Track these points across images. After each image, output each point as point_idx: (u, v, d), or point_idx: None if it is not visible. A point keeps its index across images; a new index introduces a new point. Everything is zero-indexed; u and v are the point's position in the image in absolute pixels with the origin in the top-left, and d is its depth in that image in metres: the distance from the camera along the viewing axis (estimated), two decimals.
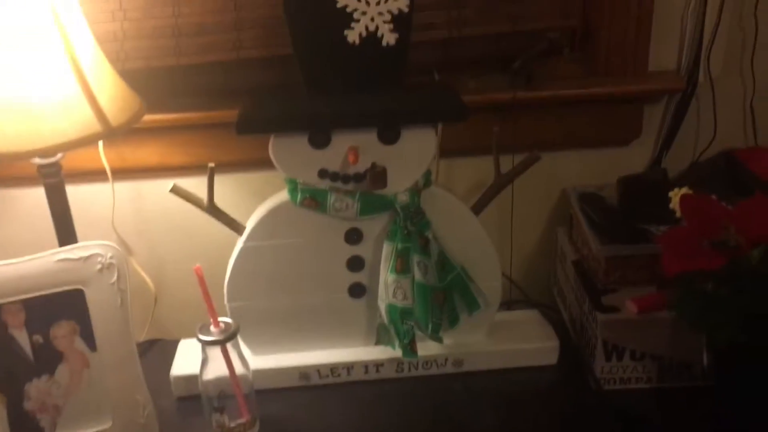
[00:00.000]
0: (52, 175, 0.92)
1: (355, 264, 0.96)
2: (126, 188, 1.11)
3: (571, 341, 1.04)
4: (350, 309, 0.98)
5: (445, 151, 1.06)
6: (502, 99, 1.03)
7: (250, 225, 0.95)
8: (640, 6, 1.03)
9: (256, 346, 0.99)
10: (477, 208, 0.97)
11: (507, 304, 1.11)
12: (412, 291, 0.94)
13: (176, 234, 1.13)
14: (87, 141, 0.84)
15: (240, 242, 0.95)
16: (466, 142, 1.04)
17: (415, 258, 0.93)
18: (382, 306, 0.95)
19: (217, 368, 0.86)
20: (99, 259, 0.86)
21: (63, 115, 0.82)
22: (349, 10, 0.84)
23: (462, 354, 1.00)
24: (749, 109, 1.11)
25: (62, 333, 0.86)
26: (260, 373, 0.95)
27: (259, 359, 0.98)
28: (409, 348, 0.95)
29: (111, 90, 0.88)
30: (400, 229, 0.92)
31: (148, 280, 1.14)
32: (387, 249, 0.93)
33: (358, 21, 0.84)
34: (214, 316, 0.86)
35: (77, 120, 0.83)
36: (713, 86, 1.08)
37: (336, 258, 0.96)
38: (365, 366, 0.99)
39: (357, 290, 0.98)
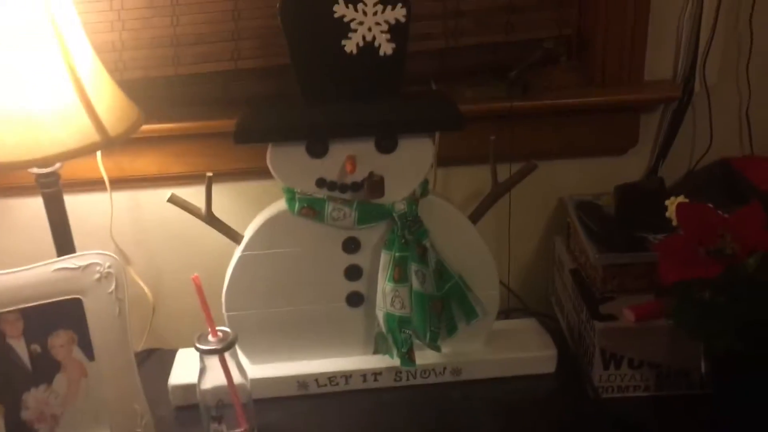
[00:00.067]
0: (51, 185, 0.92)
1: (353, 273, 0.96)
2: (124, 198, 1.11)
3: (569, 350, 1.04)
4: (348, 318, 0.98)
5: (443, 160, 1.07)
6: (499, 108, 1.03)
7: (248, 234, 0.95)
8: (636, 15, 1.03)
9: (254, 355, 0.99)
10: (474, 217, 0.97)
11: (505, 313, 1.11)
12: (410, 300, 0.94)
13: (174, 243, 1.13)
14: (85, 151, 0.84)
15: (238, 251, 0.95)
16: (463, 151, 1.05)
17: (413, 267, 0.93)
18: (380, 315, 0.95)
19: (215, 377, 0.86)
20: (97, 268, 0.86)
21: (61, 125, 0.83)
22: (346, 20, 0.84)
23: (460, 363, 1.00)
24: (745, 118, 1.12)
25: (60, 342, 0.86)
26: (258, 382, 0.94)
27: (257, 368, 0.98)
28: (407, 357, 0.95)
29: (109, 100, 0.88)
30: (398, 238, 0.92)
31: (146, 289, 1.14)
32: (385, 258, 0.93)
33: (355, 31, 0.85)
34: (212, 325, 0.86)
35: (76, 130, 0.83)
36: (709, 95, 1.09)
37: (334, 267, 0.96)
38: (363, 375, 0.99)
39: (355, 299, 0.98)
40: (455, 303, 0.97)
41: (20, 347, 0.85)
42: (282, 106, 0.92)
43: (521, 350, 1.01)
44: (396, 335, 0.95)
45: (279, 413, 0.96)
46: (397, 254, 0.92)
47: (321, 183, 0.91)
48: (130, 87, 0.94)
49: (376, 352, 1.00)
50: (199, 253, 1.12)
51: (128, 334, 0.87)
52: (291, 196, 0.92)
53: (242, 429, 0.88)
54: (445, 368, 1.00)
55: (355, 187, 0.91)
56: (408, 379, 1.00)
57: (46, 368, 0.87)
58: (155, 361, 1.08)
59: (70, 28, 0.84)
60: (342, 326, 0.99)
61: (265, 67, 1.04)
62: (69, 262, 0.86)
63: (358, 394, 0.99)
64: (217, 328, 0.86)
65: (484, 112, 1.03)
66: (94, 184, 1.07)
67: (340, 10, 0.83)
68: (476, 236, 0.96)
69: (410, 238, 0.92)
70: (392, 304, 0.93)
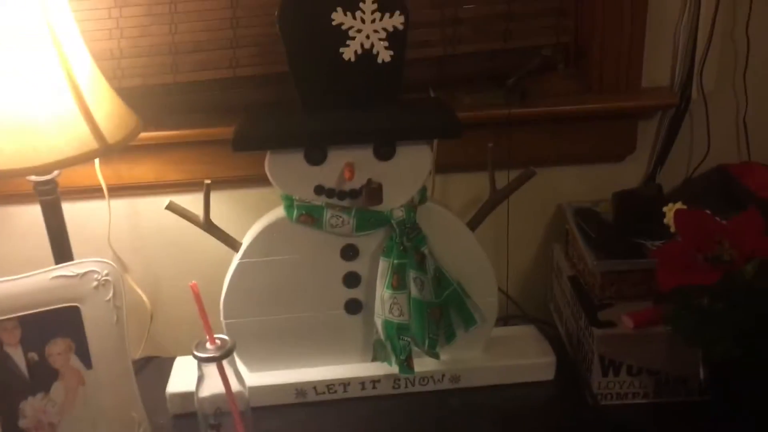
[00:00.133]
0: (48, 193, 0.92)
1: (352, 280, 0.96)
2: (122, 205, 1.11)
3: (568, 356, 1.04)
4: (346, 325, 0.98)
5: (441, 167, 1.07)
6: (497, 115, 1.04)
7: (246, 241, 0.95)
8: (633, 22, 1.04)
9: (253, 363, 0.99)
10: (473, 224, 0.98)
11: (503, 320, 1.11)
12: (409, 307, 0.94)
13: (172, 251, 1.13)
14: (83, 158, 0.84)
15: (236, 259, 0.95)
16: (461, 158, 1.05)
17: (412, 274, 0.93)
18: (379, 322, 0.95)
19: (213, 385, 0.86)
20: (95, 276, 0.86)
21: (59, 133, 0.83)
22: (344, 27, 0.84)
23: (459, 370, 0.99)
24: (742, 124, 1.12)
25: (58, 350, 0.86)
26: (256, 390, 0.94)
27: (256, 376, 0.98)
28: (406, 364, 0.95)
29: (107, 107, 0.88)
30: (396, 245, 0.92)
31: (144, 297, 1.14)
32: (383, 265, 0.93)
33: (353, 38, 0.85)
34: (210, 332, 0.85)
35: (74, 137, 0.83)
36: (706, 102, 1.09)
37: (332, 274, 0.96)
38: (362, 382, 0.99)
39: (353, 306, 0.97)
40: (454, 310, 0.97)
41: (17, 355, 0.85)
42: (280, 113, 0.93)
43: (520, 357, 1.01)
44: (394, 342, 0.94)
45: (277, 421, 0.96)
46: (395, 261, 0.92)
47: (319, 190, 0.91)
48: (128, 94, 0.94)
49: (374, 359, 1.00)
50: (197, 261, 1.11)
51: (126, 341, 0.87)
52: (289, 203, 0.92)
53: None
54: (443, 375, 0.99)
55: (354, 194, 0.91)
56: (406, 387, 1.00)
57: (43, 376, 0.86)
58: (153, 369, 1.07)
59: (68, 35, 0.84)
60: (340, 333, 0.99)
61: (264, 74, 1.04)
62: (67, 269, 0.86)
63: (356, 401, 0.99)
64: (215, 335, 0.86)
65: (482, 119, 1.04)
66: (92, 192, 1.07)
67: (338, 17, 0.84)
68: (475, 243, 0.96)
69: (409, 245, 0.92)
70: (391, 311, 0.93)
